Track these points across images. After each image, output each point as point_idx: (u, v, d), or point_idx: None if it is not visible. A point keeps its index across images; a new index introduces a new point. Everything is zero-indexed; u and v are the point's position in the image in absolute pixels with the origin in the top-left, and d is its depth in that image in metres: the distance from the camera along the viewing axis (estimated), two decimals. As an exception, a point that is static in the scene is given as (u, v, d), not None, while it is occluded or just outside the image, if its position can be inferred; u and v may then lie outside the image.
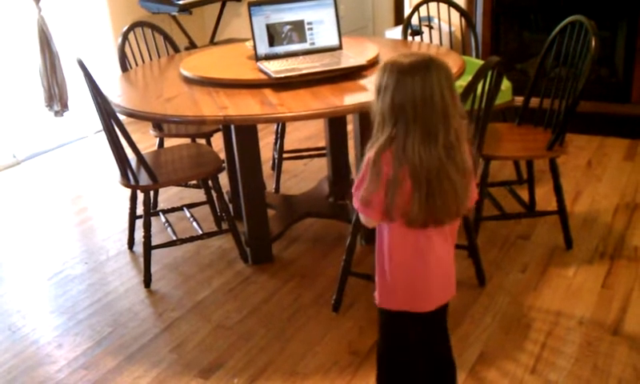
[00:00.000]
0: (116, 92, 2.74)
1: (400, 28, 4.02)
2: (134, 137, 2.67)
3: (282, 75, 2.54)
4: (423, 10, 3.62)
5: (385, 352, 1.84)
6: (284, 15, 2.73)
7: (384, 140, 1.54)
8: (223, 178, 3.20)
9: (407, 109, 1.50)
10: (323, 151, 3.59)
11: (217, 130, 3.36)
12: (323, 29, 2.78)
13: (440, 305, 1.75)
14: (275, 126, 3.76)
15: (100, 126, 2.79)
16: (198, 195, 3.51)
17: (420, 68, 1.50)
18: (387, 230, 1.66)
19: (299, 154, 3.87)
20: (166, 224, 3.18)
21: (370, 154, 1.57)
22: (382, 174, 1.55)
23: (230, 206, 3.21)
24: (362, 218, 1.68)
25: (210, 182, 2.93)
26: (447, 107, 1.51)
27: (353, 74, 2.61)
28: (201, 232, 3.05)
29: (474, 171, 1.66)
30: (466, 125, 1.59)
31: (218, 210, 3.15)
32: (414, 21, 3.61)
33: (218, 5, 5.30)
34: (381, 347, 1.84)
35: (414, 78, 1.49)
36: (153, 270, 2.89)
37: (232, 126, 2.78)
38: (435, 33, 4.21)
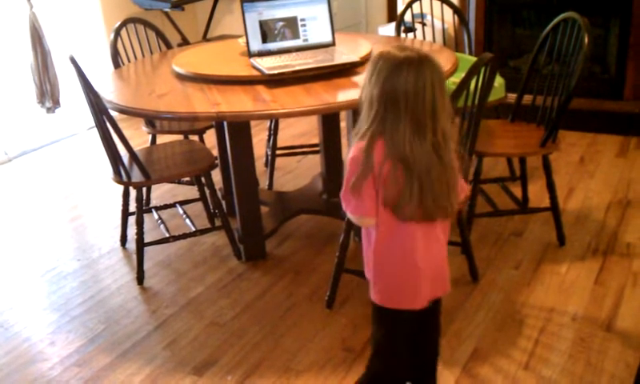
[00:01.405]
0: (108, 88, 2.73)
1: (393, 25, 4.03)
2: (126, 133, 2.66)
3: (275, 72, 2.53)
4: (416, 6, 3.62)
5: (380, 341, 1.83)
6: (277, 12, 2.72)
7: (374, 128, 1.53)
8: (216, 175, 3.19)
9: (399, 98, 1.50)
10: (316, 148, 3.59)
11: (209, 127, 3.35)
12: (316, 25, 2.77)
13: (432, 300, 1.74)
14: (268, 123, 3.75)
15: (92, 123, 2.78)
16: (191, 192, 3.50)
17: (414, 62, 1.50)
18: (374, 231, 1.65)
19: (292, 151, 3.87)
20: (159, 221, 3.17)
21: (358, 144, 1.55)
22: (373, 162, 1.53)
23: (223, 202, 3.20)
24: (356, 219, 1.65)
25: (202, 179, 2.93)
26: (436, 105, 1.52)
27: (346, 70, 2.61)
28: (194, 229, 3.04)
29: (461, 172, 1.65)
30: (454, 127, 1.58)
31: (211, 207, 3.14)
32: (407, 18, 3.60)
33: (211, 1, 5.29)
34: (375, 336, 1.83)
35: (408, 70, 1.49)
36: (146, 266, 2.88)
37: (225, 123, 2.77)
38: (428, 30, 4.21)
